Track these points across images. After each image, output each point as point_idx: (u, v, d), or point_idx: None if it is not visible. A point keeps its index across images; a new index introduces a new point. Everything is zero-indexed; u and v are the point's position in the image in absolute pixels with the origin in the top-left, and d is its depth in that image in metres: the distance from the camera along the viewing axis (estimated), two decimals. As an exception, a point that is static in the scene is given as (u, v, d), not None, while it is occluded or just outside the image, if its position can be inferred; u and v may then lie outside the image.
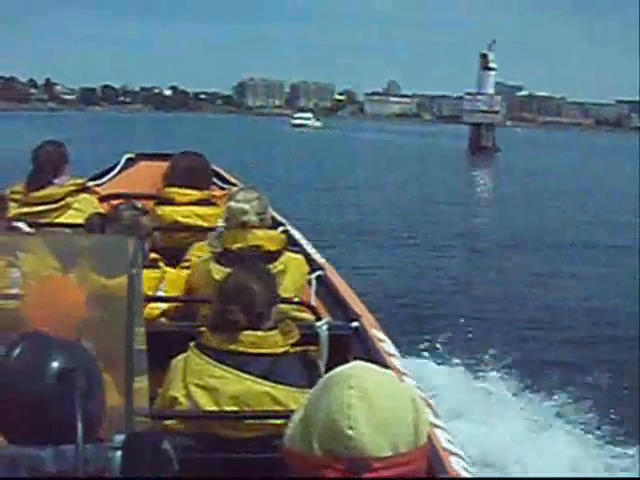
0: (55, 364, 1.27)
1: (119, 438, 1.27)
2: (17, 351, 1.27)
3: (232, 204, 3.21)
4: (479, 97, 62.17)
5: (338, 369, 1.20)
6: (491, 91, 63.40)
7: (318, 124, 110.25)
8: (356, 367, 1.19)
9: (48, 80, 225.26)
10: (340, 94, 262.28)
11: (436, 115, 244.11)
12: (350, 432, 1.09)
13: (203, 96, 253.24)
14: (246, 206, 3.12)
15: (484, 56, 62.95)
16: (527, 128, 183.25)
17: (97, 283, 2.01)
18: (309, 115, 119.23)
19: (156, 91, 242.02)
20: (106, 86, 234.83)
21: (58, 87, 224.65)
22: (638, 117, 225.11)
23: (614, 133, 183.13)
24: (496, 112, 63.14)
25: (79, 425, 1.21)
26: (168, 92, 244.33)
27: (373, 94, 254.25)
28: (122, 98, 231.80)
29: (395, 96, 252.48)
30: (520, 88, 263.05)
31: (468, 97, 64.76)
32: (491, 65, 62.66)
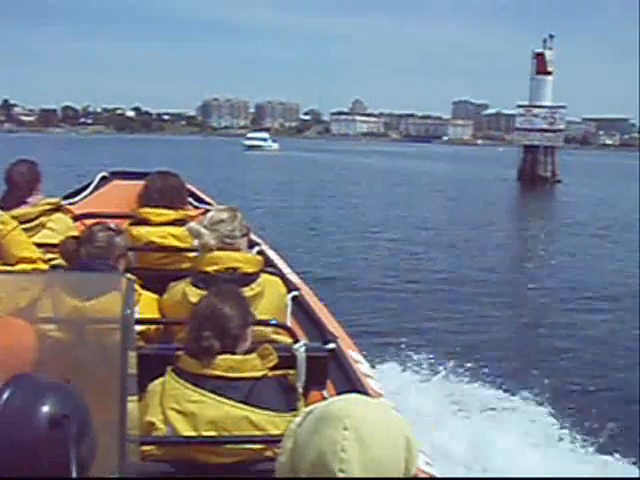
0: (46, 409, 1.22)
1: None
2: (6, 395, 1.23)
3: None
4: (536, 111, 47.00)
5: (333, 403, 1.15)
6: (548, 103, 47.58)
7: (275, 146, 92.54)
8: (352, 404, 1.14)
9: (6, 101, 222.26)
10: (305, 114, 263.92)
11: (403, 134, 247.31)
12: (341, 475, 1.06)
13: (166, 117, 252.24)
14: (202, 229, 3.03)
15: (539, 56, 47.02)
16: (492, 146, 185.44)
17: (71, 305, 1.97)
18: (265, 135, 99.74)
19: (118, 112, 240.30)
20: (67, 107, 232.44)
21: (17, 108, 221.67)
22: (605, 135, 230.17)
23: (582, 150, 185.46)
24: (560, 130, 47.88)
25: (73, 470, 1.17)
26: (131, 113, 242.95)
27: (339, 113, 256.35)
28: (83, 119, 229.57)
29: (361, 115, 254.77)
30: (486, 106, 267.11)
31: (522, 111, 48.57)
32: (549, 68, 47.03)
